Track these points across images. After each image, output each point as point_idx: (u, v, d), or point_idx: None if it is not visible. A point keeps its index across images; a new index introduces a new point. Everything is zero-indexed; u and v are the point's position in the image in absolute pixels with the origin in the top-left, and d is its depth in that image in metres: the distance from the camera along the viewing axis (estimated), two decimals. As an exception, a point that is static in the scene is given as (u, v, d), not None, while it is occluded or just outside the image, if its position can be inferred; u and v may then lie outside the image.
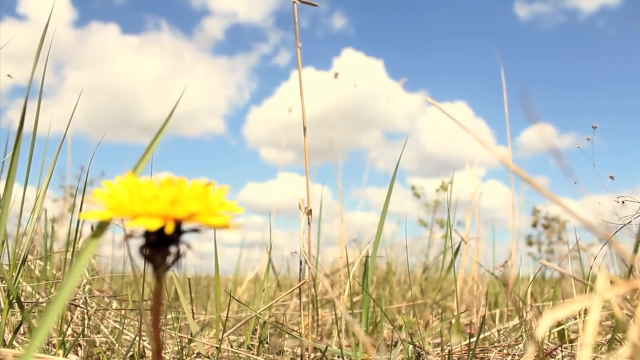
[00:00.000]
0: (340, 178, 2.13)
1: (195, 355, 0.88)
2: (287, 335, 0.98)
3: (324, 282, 1.23)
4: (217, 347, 0.83)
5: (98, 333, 0.91)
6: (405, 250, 1.69)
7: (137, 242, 0.36)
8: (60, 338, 0.79)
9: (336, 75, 2.37)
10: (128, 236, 0.36)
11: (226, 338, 0.97)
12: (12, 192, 0.66)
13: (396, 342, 0.94)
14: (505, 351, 0.96)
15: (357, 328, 0.54)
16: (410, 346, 0.89)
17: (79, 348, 0.86)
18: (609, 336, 0.99)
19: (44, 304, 0.86)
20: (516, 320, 1.10)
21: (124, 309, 1.00)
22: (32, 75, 0.67)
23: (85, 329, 0.88)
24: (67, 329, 0.86)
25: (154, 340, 0.38)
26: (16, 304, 0.71)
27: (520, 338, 0.99)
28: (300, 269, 0.96)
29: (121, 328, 0.88)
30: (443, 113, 0.48)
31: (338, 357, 0.89)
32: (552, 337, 0.98)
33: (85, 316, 0.89)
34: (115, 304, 1.07)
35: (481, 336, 1.03)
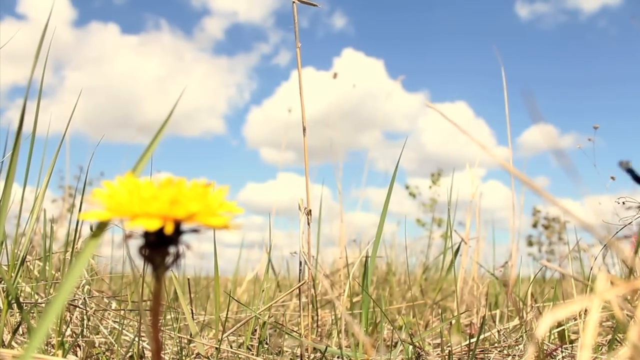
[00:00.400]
0: (340, 178, 2.13)
1: (194, 355, 0.88)
2: (286, 336, 0.98)
3: (323, 282, 1.23)
4: (216, 348, 0.83)
5: (97, 333, 0.91)
6: (405, 250, 1.69)
7: (136, 243, 0.36)
8: (60, 338, 0.79)
9: (335, 76, 2.37)
10: (127, 236, 0.36)
11: (226, 338, 0.97)
12: (11, 192, 0.66)
13: (396, 343, 0.93)
14: (505, 352, 0.95)
15: (357, 328, 0.54)
16: (410, 347, 0.89)
17: (78, 348, 0.86)
18: (610, 337, 0.98)
19: (43, 305, 0.86)
20: (516, 321, 1.10)
21: (124, 310, 1.00)
22: (32, 75, 0.67)
23: (85, 330, 0.88)
24: (66, 330, 0.86)
25: (153, 340, 0.38)
26: (15, 305, 0.71)
27: (521, 339, 0.98)
28: (300, 270, 0.95)
29: (120, 328, 0.88)
30: (442, 116, 0.48)
31: (338, 357, 0.89)
32: (552, 337, 0.98)
33: (85, 316, 0.89)
34: (114, 305, 1.07)
35: (481, 337, 1.02)
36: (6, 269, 0.77)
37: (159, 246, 0.36)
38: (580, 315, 0.93)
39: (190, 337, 0.87)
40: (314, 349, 0.93)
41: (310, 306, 0.98)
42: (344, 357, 0.84)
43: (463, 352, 0.93)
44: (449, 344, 0.92)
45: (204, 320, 1.14)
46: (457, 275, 1.29)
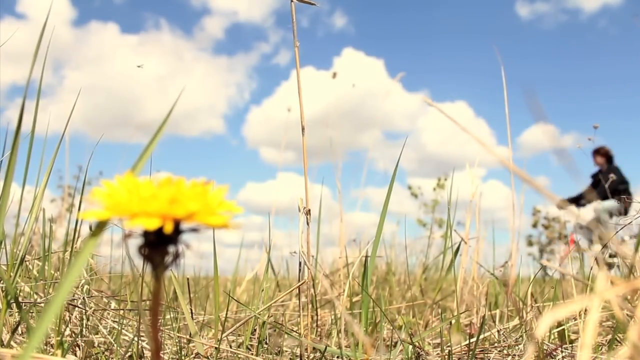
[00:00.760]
0: (340, 178, 2.13)
1: (194, 355, 0.88)
2: (286, 336, 0.98)
3: (323, 282, 1.23)
4: (216, 348, 0.83)
5: (96, 333, 0.90)
6: (405, 250, 1.69)
7: (135, 242, 0.36)
8: (59, 338, 0.79)
9: (334, 75, 2.37)
10: (127, 236, 0.36)
11: (225, 338, 0.96)
12: (10, 192, 0.66)
13: (396, 343, 0.93)
14: (505, 352, 0.95)
15: (357, 328, 0.54)
16: (410, 346, 0.88)
17: (77, 348, 0.86)
18: (609, 337, 0.98)
19: (42, 304, 0.86)
20: (516, 321, 1.10)
21: (123, 309, 1.00)
22: (31, 74, 0.67)
23: (84, 329, 0.87)
24: (65, 329, 0.85)
25: (152, 340, 0.38)
26: (14, 304, 0.71)
27: (521, 338, 0.98)
28: (300, 269, 0.95)
29: (120, 328, 0.87)
30: (442, 114, 0.47)
31: (337, 357, 0.89)
32: (552, 337, 0.98)
33: (84, 316, 0.89)
34: (113, 304, 1.07)
35: (481, 336, 1.02)
36: (5, 268, 0.77)
37: (159, 245, 0.36)
38: (580, 315, 0.93)
39: (190, 336, 0.87)
40: (314, 348, 0.93)
41: (310, 306, 0.98)
42: (344, 357, 0.84)
43: (463, 352, 0.93)
44: (449, 344, 0.92)
45: (203, 320, 1.14)
46: (457, 275, 1.29)
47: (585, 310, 0.87)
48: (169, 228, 0.33)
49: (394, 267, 2.03)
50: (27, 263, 1.03)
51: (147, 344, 0.87)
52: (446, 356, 0.88)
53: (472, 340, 0.93)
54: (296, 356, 0.94)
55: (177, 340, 0.86)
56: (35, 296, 0.92)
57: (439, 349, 0.97)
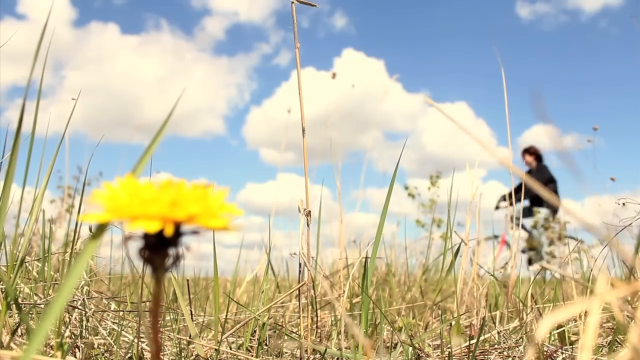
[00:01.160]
0: (340, 179, 2.13)
1: (194, 357, 0.88)
2: (286, 337, 0.98)
3: (323, 283, 1.23)
4: (216, 349, 0.83)
5: (96, 335, 0.90)
6: (405, 251, 1.69)
7: (136, 244, 0.36)
8: (59, 340, 0.79)
9: (334, 76, 2.37)
10: (127, 238, 0.36)
11: (225, 340, 0.96)
12: (10, 193, 0.66)
13: (396, 344, 0.93)
14: (505, 353, 0.95)
15: (357, 330, 0.54)
16: (410, 348, 0.88)
17: (77, 350, 0.86)
18: (610, 338, 0.98)
19: (42, 306, 0.86)
20: (516, 322, 1.10)
21: (123, 311, 1.00)
22: (31, 75, 0.67)
23: (84, 331, 0.87)
24: (65, 331, 0.85)
25: (152, 342, 0.38)
26: (14, 306, 0.71)
27: (521, 340, 0.98)
28: (300, 271, 0.95)
29: (120, 330, 0.87)
30: (443, 114, 0.47)
31: (337, 359, 0.89)
32: (552, 339, 0.98)
33: (84, 318, 0.89)
34: (113, 306, 1.06)
35: (481, 338, 1.02)
36: (5, 269, 0.77)
37: (159, 248, 0.36)
38: (580, 317, 0.93)
39: (190, 338, 0.87)
40: (314, 350, 0.93)
41: (310, 307, 0.97)
42: (344, 359, 0.84)
43: (463, 354, 0.92)
44: (449, 346, 0.92)
45: (203, 322, 1.14)
46: (457, 276, 1.29)
47: (586, 311, 0.87)
48: (169, 231, 0.33)
49: (394, 268, 2.03)
50: (27, 264, 1.03)
51: (147, 345, 0.87)
52: (446, 358, 0.88)
53: (472, 341, 0.93)
54: (296, 358, 0.94)
55: (177, 342, 0.86)
56: (35, 297, 0.92)
57: (439, 350, 0.97)
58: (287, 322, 1.30)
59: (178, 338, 0.85)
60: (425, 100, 0.50)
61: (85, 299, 0.91)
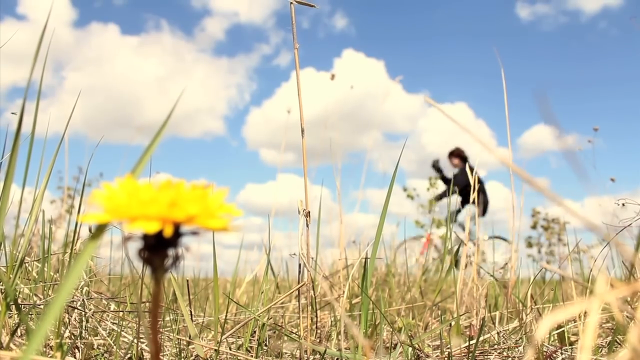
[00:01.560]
0: (339, 179, 2.13)
1: (193, 357, 0.88)
2: (286, 338, 0.98)
3: (323, 284, 1.23)
4: (215, 350, 0.83)
5: (96, 335, 0.90)
6: (405, 251, 1.69)
7: (135, 245, 0.36)
8: (58, 340, 0.79)
9: (333, 77, 2.37)
10: (126, 239, 0.36)
11: (225, 340, 0.96)
12: (10, 193, 0.66)
13: (395, 345, 0.93)
14: (505, 353, 0.95)
15: (356, 330, 0.54)
16: (410, 348, 0.88)
17: (76, 350, 0.86)
18: (609, 339, 0.98)
19: (42, 306, 0.86)
20: (516, 323, 1.10)
21: (122, 311, 1.00)
22: (31, 75, 0.67)
23: (83, 331, 0.87)
24: (64, 331, 0.85)
25: (152, 342, 0.38)
26: (14, 306, 0.71)
27: (520, 340, 0.98)
28: (299, 271, 0.95)
29: (119, 330, 0.87)
30: (443, 114, 0.47)
31: (337, 359, 0.89)
32: (552, 339, 0.98)
33: (83, 318, 0.89)
34: (113, 306, 1.06)
35: (481, 338, 1.02)
36: (5, 270, 0.77)
37: (158, 248, 0.36)
38: (580, 317, 0.93)
39: (189, 338, 0.87)
40: (313, 350, 0.93)
41: (310, 308, 0.97)
42: (343, 359, 0.84)
43: (463, 354, 0.92)
44: (449, 346, 0.92)
45: (203, 322, 1.14)
46: (456, 276, 1.29)
47: (585, 312, 0.87)
48: (168, 231, 0.33)
49: (393, 269, 2.03)
50: (27, 264, 1.03)
51: (146, 346, 0.87)
52: (446, 358, 0.88)
53: (472, 342, 0.93)
54: (296, 358, 0.94)
55: (176, 342, 0.86)
56: (35, 298, 0.92)
57: (439, 351, 0.97)
58: (286, 323, 1.30)
59: (178, 338, 0.85)
60: (426, 101, 0.50)
61: (84, 300, 0.91)
